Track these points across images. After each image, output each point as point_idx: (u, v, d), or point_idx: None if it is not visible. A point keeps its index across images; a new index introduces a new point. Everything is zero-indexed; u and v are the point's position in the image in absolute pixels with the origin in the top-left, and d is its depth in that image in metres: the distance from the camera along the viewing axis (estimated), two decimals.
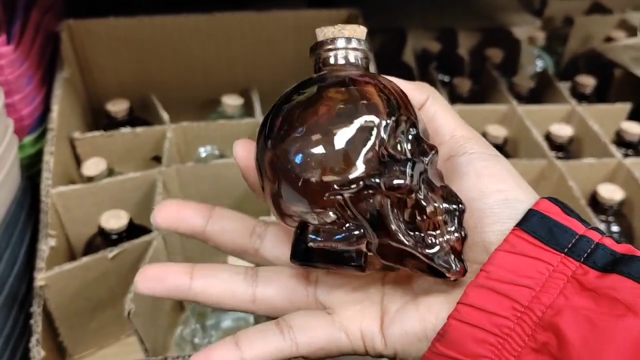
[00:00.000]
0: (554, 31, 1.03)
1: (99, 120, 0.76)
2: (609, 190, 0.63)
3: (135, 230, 0.57)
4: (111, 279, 0.54)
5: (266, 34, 0.74)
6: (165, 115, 0.68)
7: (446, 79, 0.90)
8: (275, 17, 0.73)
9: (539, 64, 0.97)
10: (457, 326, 0.23)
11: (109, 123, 0.70)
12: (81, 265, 0.51)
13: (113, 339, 0.59)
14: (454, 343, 0.23)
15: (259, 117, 0.69)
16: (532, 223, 0.24)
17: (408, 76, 0.82)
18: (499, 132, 0.71)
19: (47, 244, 0.54)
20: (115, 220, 0.55)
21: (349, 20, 0.73)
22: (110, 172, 0.61)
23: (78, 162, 0.67)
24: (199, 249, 0.56)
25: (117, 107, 0.70)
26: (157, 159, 0.68)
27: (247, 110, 0.73)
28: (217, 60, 0.75)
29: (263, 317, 0.31)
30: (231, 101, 0.72)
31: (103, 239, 0.56)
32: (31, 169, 0.63)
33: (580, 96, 0.83)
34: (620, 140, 0.74)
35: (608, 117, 0.79)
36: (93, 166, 0.60)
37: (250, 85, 0.76)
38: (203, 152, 0.65)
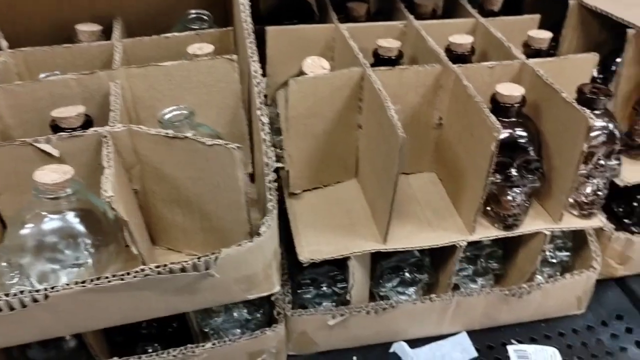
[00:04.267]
0: None
1: None
2: (508, 88, 0.56)
3: None
4: None
5: None
6: (4, 42, 0.60)
7: None
8: None
9: None
10: None
11: None
12: None
13: None
14: None
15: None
16: None
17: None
18: (391, 44, 0.63)
19: None
20: None
21: None
22: None
23: None
24: None
25: None
26: None
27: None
28: None
29: None
30: (87, 28, 0.63)
31: None
32: None
33: (488, 13, 0.77)
34: (529, 50, 0.66)
35: (517, 30, 0.71)
36: None
37: (113, 13, 0.67)
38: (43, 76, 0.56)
